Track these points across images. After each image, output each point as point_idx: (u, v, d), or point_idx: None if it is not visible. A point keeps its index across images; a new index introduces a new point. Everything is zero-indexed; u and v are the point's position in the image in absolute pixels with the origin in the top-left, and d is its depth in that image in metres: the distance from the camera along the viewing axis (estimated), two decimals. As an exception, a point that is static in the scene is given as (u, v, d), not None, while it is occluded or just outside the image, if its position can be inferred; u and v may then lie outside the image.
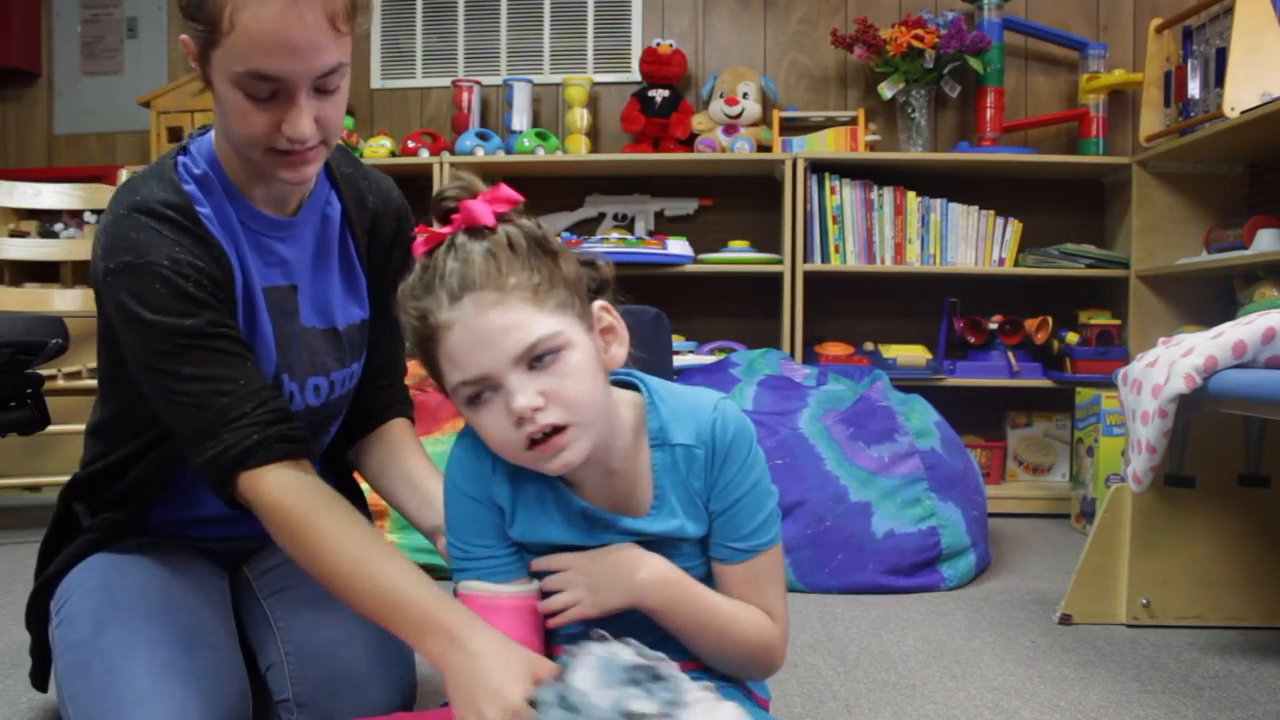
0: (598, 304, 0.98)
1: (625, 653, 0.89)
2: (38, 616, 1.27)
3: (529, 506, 1.02)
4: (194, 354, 1.05)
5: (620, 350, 0.99)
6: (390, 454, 1.34)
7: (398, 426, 1.38)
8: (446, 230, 0.94)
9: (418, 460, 1.32)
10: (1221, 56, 2.64)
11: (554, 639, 1.06)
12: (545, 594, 1.04)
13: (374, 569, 1.01)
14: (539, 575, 1.04)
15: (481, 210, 0.92)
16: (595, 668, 0.87)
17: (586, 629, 0.98)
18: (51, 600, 1.24)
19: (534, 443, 0.91)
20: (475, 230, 0.92)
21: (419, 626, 0.98)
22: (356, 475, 1.44)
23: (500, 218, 0.93)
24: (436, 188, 3.19)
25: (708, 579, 1.05)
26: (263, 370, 1.15)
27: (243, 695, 1.15)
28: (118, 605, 1.17)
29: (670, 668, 0.89)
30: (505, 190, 0.95)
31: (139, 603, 1.17)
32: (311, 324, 1.22)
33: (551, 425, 0.90)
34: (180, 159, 1.15)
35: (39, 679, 1.33)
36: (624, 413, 1.01)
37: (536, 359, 0.90)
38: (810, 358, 3.15)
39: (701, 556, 1.04)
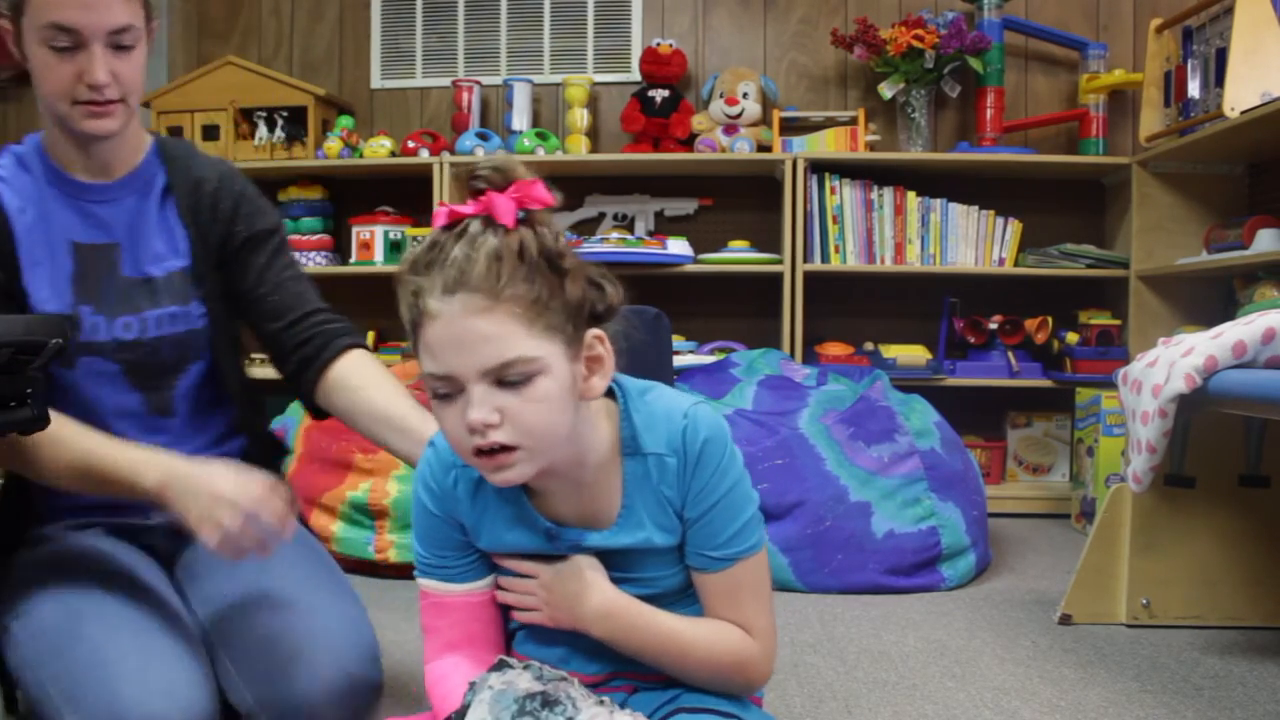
0: (592, 333, 0.94)
1: (523, 680, 0.91)
2: None
3: (493, 520, 1.03)
4: None
5: (600, 383, 0.96)
6: (356, 395, 1.34)
7: (352, 360, 1.37)
8: (468, 210, 0.91)
9: (387, 394, 1.33)
10: (1221, 56, 2.64)
11: (512, 642, 1.09)
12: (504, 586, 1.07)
13: (78, 447, 1.19)
14: (498, 570, 1.06)
15: (504, 209, 0.89)
16: (488, 702, 0.88)
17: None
18: None
19: (480, 452, 0.91)
20: (493, 223, 0.89)
21: (131, 473, 1.16)
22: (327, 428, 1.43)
23: (523, 220, 0.91)
24: (437, 188, 3.21)
25: (685, 589, 1.04)
26: (44, 307, 1.30)
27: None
28: (85, 596, 1.20)
29: (569, 688, 0.90)
30: (539, 190, 0.91)
31: (108, 593, 1.21)
32: (130, 274, 1.36)
33: (499, 444, 0.89)
34: (11, 146, 1.36)
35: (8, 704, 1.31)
36: (601, 425, 0.99)
37: (506, 379, 0.88)
38: (810, 358, 3.15)
39: (676, 565, 1.03)
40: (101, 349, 1.33)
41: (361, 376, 1.35)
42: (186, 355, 1.39)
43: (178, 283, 1.38)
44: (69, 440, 1.20)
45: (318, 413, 1.41)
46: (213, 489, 1.12)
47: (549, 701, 0.88)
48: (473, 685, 0.92)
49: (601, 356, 0.95)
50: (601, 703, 0.91)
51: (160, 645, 1.14)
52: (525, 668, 0.93)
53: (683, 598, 1.04)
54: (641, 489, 0.99)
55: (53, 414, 1.18)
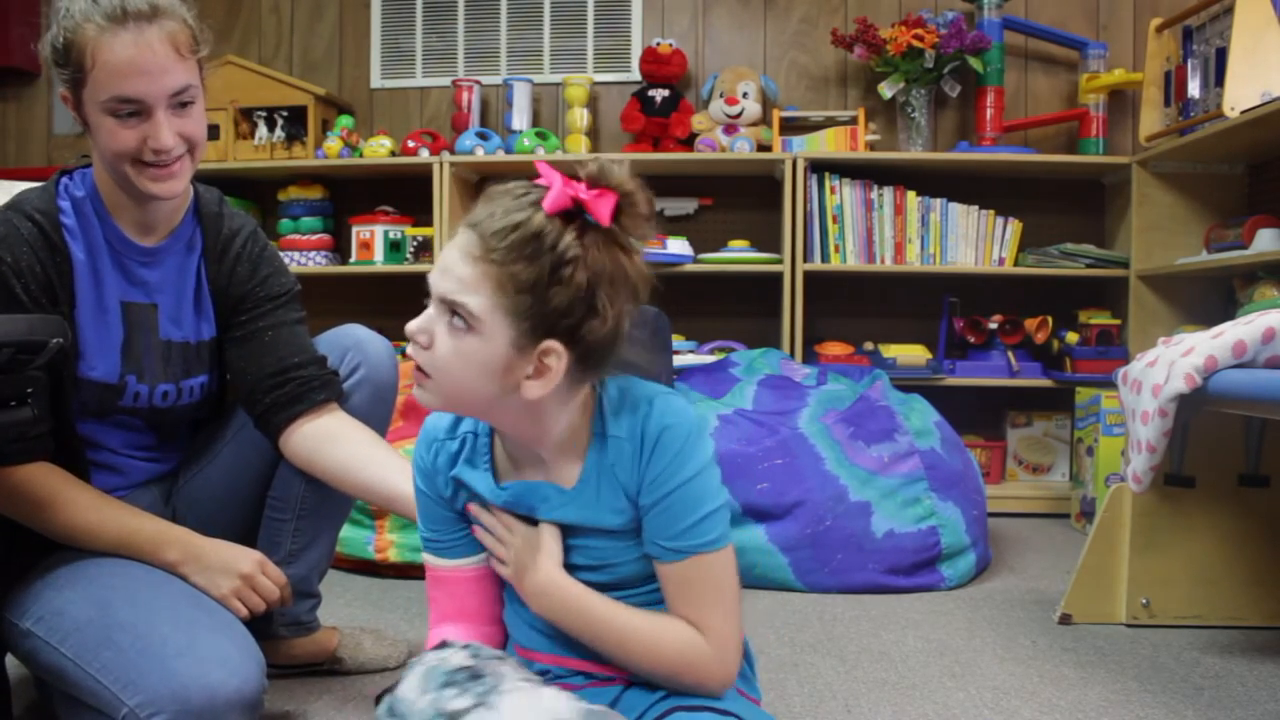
0: (549, 343, 0.94)
1: (456, 657, 0.96)
2: None
3: (468, 480, 1.08)
4: None
5: (536, 390, 0.96)
6: (356, 451, 1.39)
7: (331, 417, 1.41)
8: (570, 199, 0.95)
9: (381, 452, 1.39)
10: (1221, 56, 2.64)
11: (516, 632, 1.11)
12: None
13: (109, 514, 1.28)
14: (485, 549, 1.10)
15: (603, 210, 0.94)
16: (419, 675, 0.94)
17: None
18: (8, 616, 1.25)
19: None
20: (591, 224, 0.95)
21: (155, 543, 1.27)
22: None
23: (608, 230, 0.95)
24: (437, 188, 3.20)
25: (645, 579, 1.05)
26: (92, 374, 1.32)
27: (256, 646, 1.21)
28: (108, 587, 1.21)
29: (500, 665, 0.95)
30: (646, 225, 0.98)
31: (129, 580, 1.22)
32: (168, 336, 1.40)
33: (418, 365, 0.98)
34: (63, 180, 1.34)
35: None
36: (573, 411, 1.02)
37: (447, 300, 0.95)
38: (810, 357, 3.15)
39: (634, 552, 1.03)
40: (137, 412, 1.40)
41: (341, 430, 1.40)
42: (206, 408, 1.49)
43: (206, 353, 1.45)
44: (88, 504, 1.27)
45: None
46: (221, 562, 1.27)
47: (476, 675, 0.93)
48: (410, 664, 0.97)
49: (548, 369, 0.96)
50: (528, 679, 0.95)
51: (198, 619, 1.18)
52: (464, 648, 0.98)
53: (644, 588, 1.05)
54: (599, 469, 1.02)
55: (69, 477, 1.28)
